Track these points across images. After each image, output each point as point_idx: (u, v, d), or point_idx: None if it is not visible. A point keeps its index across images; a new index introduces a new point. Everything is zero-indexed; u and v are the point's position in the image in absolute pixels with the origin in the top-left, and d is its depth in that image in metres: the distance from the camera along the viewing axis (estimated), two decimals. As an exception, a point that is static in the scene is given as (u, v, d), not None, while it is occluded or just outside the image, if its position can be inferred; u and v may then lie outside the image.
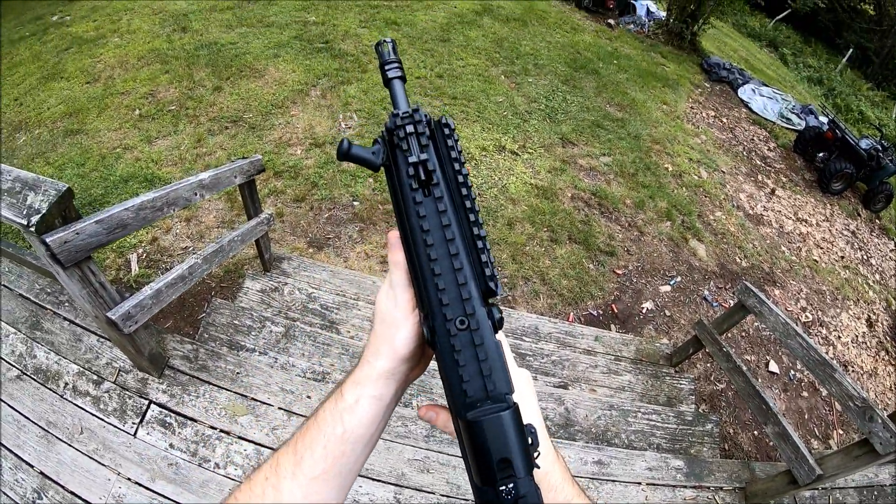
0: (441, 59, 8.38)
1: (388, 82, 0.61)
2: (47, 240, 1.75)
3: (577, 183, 6.29)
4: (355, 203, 5.23)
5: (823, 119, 10.18)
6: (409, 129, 0.56)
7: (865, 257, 7.44)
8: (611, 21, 11.93)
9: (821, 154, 8.86)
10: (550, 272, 5.03)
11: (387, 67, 0.61)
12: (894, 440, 2.21)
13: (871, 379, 5.38)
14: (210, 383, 2.71)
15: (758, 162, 8.59)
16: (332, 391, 0.61)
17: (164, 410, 2.58)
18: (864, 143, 8.38)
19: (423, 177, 0.54)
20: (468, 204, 0.54)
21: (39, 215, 1.74)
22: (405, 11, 9.73)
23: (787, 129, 10.19)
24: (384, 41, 0.62)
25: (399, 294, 0.59)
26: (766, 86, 11.52)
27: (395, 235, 0.60)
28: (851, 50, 19.85)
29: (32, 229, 1.73)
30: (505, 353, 0.52)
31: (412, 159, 0.54)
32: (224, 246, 2.97)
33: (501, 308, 4.22)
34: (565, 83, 8.59)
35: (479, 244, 0.53)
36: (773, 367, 4.84)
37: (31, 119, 6.09)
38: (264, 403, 2.69)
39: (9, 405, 2.54)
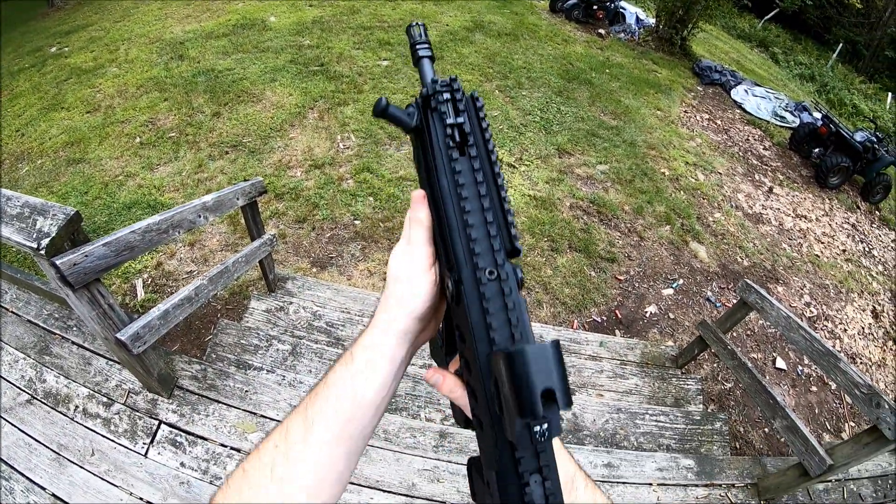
0: (435, 76, 8.41)
1: (417, 61, 0.66)
2: (57, 262, 1.79)
3: (575, 192, 6.33)
4: (356, 222, 5.28)
5: (817, 115, 10.23)
6: (447, 95, 0.59)
7: (867, 249, 7.45)
8: (601, 31, 12.04)
9: (817, 150, 8.89)
10: (552, 281, 5.05)
11: (417, 47, 0.66)
12: (901, 424, 2.22)
13: (881, 370, 5.37)
14: (219, 402, 2.73)
15: (754, 161, 8.63)
16: (341, 355, 0.60)
17: (174, 430, 2.60)
18: (859, 136, 8.41)
19: (458, 138, 0.57)
20: (496, 169, 0.56)
21: (49, 238, 1.78)
22: (398, 31, 9.84)
23: (781, 127, 10.24)
24: (415, 24, 0.67)
25: (417, 250, 0.60)
26: (759, 86, 11.59)
27: (420, 193, 0.62)
28: (841, 45, 19.96)
29: (42, 252, 1.77)
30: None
31: (450, 121, 0.57)
32: (229, 267, 3.01)
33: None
34: (559, 94, 8.66)
35: (505, 206, 0.55)
36: (781, 363, 4.84)
37: (33, 149, 6.19)
38: (273, 420, 2.72)
39: (19, 429, 2.56)
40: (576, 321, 4.74)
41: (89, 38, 9.60)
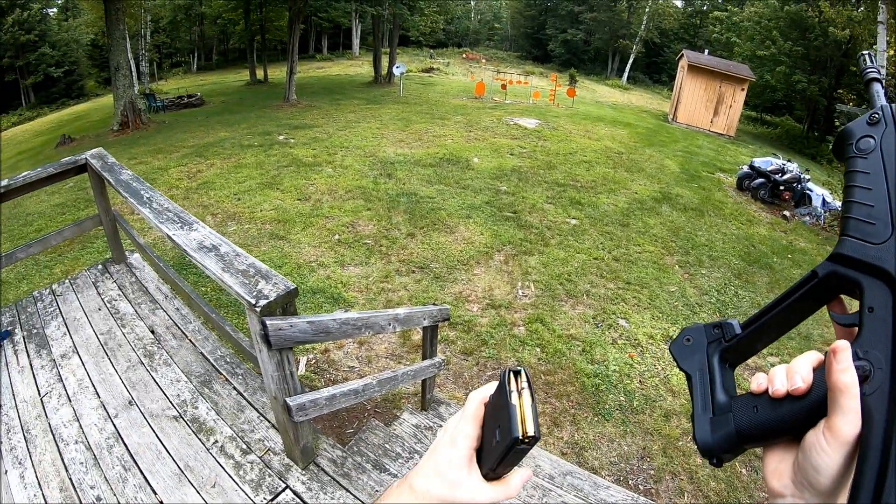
0: (619, 242, 8.64)
1: (867, 83, 0.61)
2: (267, 322, 2.06)
3: (742, 383, 6.05)
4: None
5: None
6: None
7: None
8: (786, 213, 11.63)
9: None
10: (700, 471, 4.78)
11: (867, 71, 0.61)
12: None
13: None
14: (348, 490, 2.79)
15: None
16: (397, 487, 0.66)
17: (297, 499, 2.67)
18: None
19: None
20: None
21: (267, 301, 2.06)
22: (589, 193, 10.28)
23: None
24: (866, 54, 0.65)
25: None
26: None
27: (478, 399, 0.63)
28: None
29: (258, 310, 2.04)
30: None
31: None
32: (398, 376, 3.20)
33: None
34: (738, 277, 8.40)
35: None
36: None
37: (244, 214, 7.13)
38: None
39: (157, 436, 2.81)
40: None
41: (313, 136, 11.09)
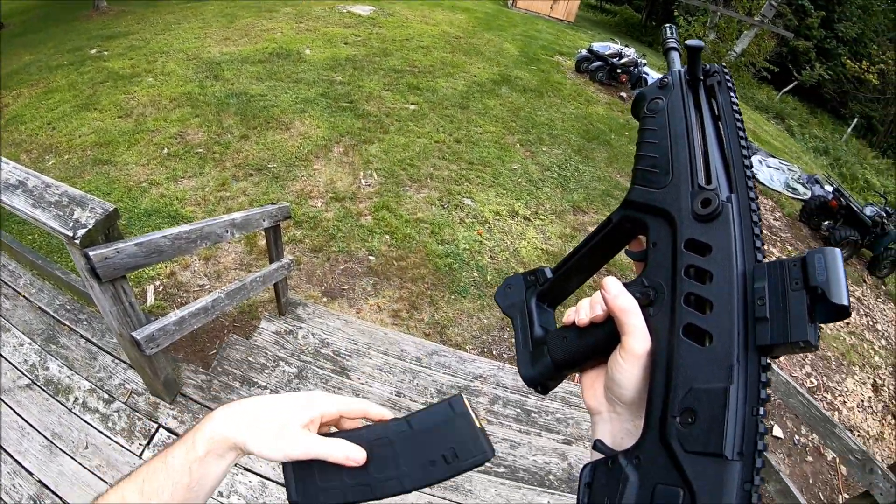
0: (460, 125, 8.69)
1: (666, 52, 0.66)
2: (90, 254, 1.84)
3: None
4: (371, 258, 5.38)
5: (829, 188, 10.35)
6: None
7: (871, 323, 7.46)
8: (623, 94, 12.28)
9: (826, 223, 8.94)
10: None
11: (667, 41, 0.67)
12: (894, 490, 2.26)
13: (878, 443, 5.33)
14: None
15: (764, 231, 8.70)
16: (184, 435, 0.61)
17: (172, 436, 2.60)
18: (868, 210, 8.49)
19: None
20: None
21: (85, 230, 1.83)
22: (427, 77, 10.15)
23: (792, 198, 10.34)
24: (668, 26, 0.70)
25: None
26: (773, 157, 11.77)
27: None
28: (857, 119, 20.33)
29: (77, 242, 1.82)
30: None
31: None
32: (246, 285, 3.08)
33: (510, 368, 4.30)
34: (578, 153, 8.83)
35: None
36: (778, 431, 4.83)
37: (61, 144, 6.36)
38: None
39: (15, 412, 2.58)
40: (577, 375, 4.76)
41: (129, 45, 9.93)
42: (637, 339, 0.48)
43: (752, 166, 0.52)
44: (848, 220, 8.57)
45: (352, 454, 0.58)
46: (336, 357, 3.80)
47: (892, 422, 5.68)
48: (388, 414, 0.64)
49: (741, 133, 0.53)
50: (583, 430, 3.85)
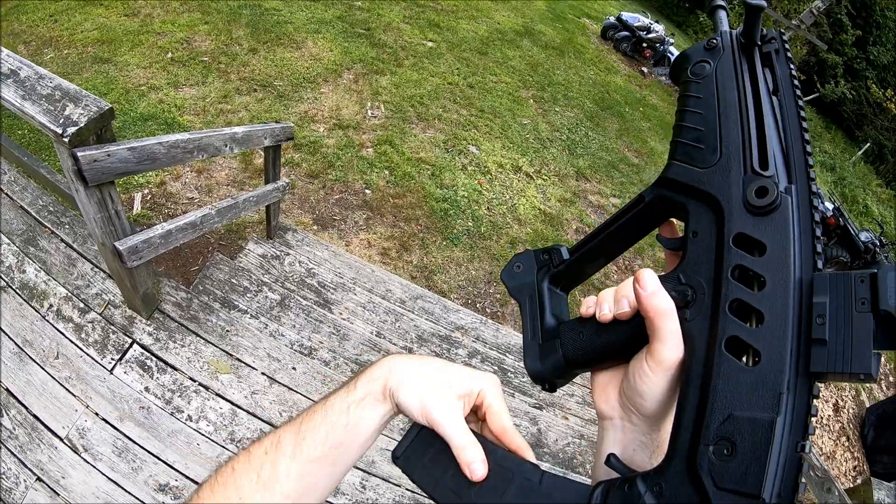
0: (475, 70, 8.46)
1: (712, 10, 0.59)
2: (78, 154, 1.72)
3: (584, 217, 6.34)
4: (367, 191, 5.24)
5: (829, 206, 10.34)
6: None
7: (845, 346, 7.55)
8: (644, 69, 12.07)
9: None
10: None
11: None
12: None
13: (829, 462, 5.44)
14: (198, 335, 2.68)
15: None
16: (346, 381, 0.61)
17: (146, 352, 2.54)
18: (863, 236, 8.54)
19: None
20: None
21: (76, 128, 1.69)
22: (449, 17, 9.82)
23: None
24: None
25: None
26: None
27: None
28: (869, 144, 20.23)
29: (66, 140, 1.69)
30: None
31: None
32: (239, 203, 2.95)
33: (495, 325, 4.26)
34: (590, 119, 8.68)
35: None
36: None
37: (62, 38, 6.05)
38: (248, 366, 2.68)
39: None
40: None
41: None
42: (669, 346, 0.43)
43: (812, 154, 0.45)
44: (842, 241, 8.59)
45: (475, 466, 0.50)
46: (321, 289, 3.72)
47: (846, 444, 5.78)
48: (527, 452, 0.54)
49: (802, 113, 0.47)
50: (554, 396, 3.84)
